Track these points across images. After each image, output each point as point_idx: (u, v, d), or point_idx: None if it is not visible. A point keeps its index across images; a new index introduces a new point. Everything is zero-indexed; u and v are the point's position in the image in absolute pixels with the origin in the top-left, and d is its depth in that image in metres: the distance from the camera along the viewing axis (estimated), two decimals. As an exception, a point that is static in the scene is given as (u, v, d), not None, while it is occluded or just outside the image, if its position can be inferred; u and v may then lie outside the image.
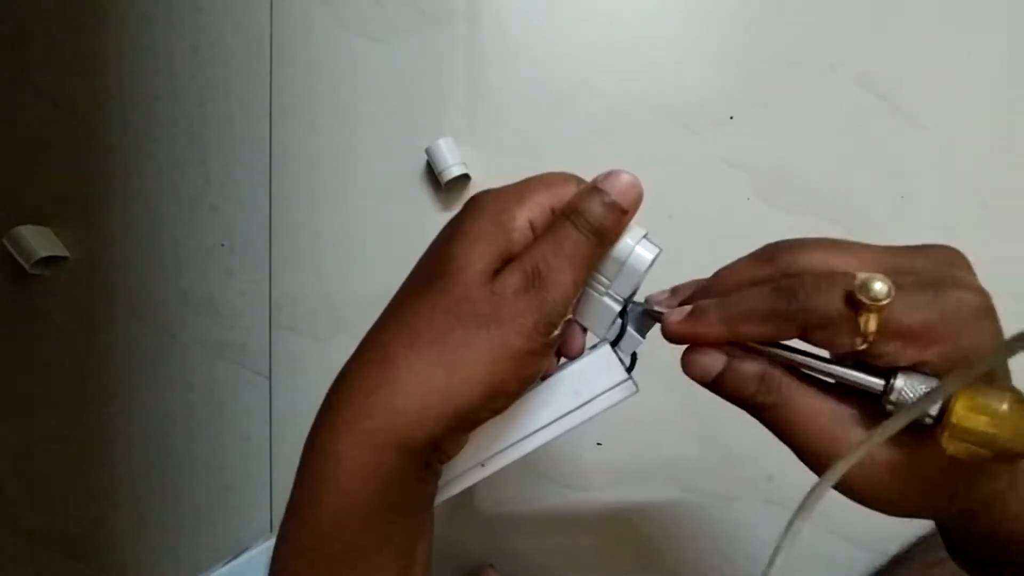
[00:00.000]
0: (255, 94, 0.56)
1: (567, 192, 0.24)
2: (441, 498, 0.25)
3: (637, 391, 0.25)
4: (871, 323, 0.18)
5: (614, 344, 0.25)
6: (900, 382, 0.19)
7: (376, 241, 0.55)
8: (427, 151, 0.53)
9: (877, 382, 0.19)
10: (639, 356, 0.26)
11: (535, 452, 0.25)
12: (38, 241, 0.54)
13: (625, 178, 0.24)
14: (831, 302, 0.19)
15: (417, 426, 0.20)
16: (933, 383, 0.18)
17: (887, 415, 0.18)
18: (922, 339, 0.18)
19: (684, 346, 0.23)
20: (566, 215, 0.23)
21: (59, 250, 0.55)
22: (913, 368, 0.19)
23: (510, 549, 0.56)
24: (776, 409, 0.21)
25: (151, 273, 0.57)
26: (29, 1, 0.56)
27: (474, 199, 0.24)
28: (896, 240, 0.22)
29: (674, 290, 0.25)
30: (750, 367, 0.21)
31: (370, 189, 0.56)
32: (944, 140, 0.54)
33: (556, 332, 0.22)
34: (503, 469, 0.25)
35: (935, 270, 0.19)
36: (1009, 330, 0.13)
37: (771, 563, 0.19)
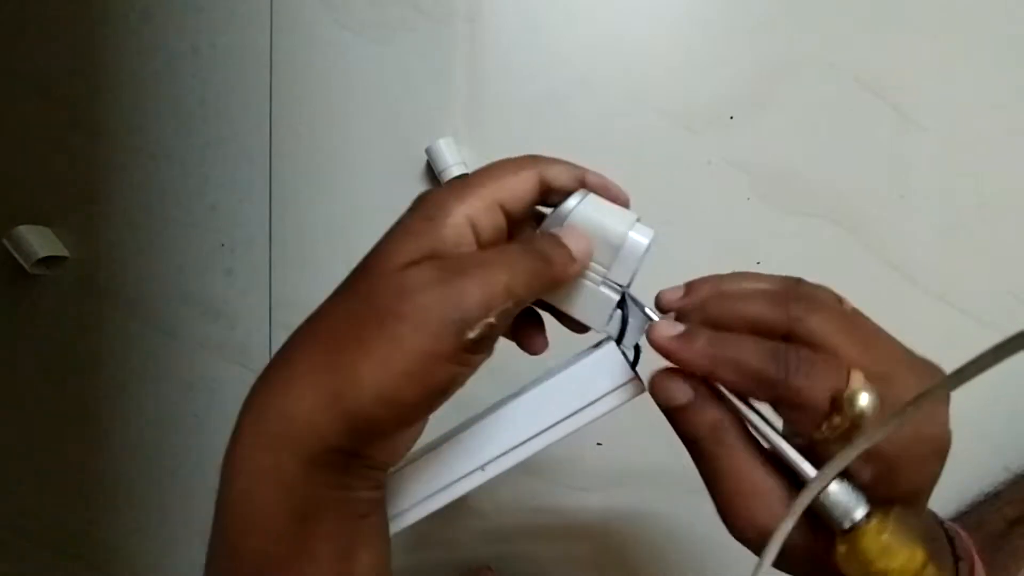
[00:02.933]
0: (255, 94, 0.56)
1: (515, 184, 0.22)
2: (440, 504, 0.25)
3: (645, 390, 0.24)
4: (840, 427, 0.18)
5: (619, 341, 0.24)
6: (835, 487, 0.19)
7: (376, 240, 0.55)
8: (427, 151, 0.53)
9: (811, 472, 0.20)
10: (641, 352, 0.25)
11: (536, 455, 0.25)
12: (38, 241, 0.54)
13: (582, 240, 0.23)
14: (817, 392, 0.19)
15: (308, 431, 0.18)
16: (858, 498, 0.19)
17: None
18: (881, 462, 0.19)
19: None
20: (517, 240, 0.22)
21: (59, 250, 0.55)
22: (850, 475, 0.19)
23: (509, 550, 0.56)
24: (713, 460, 0.21)
25: (151, 273, 0.57)
26: (29, 1, 0.56)
27: (418, 196, 0.22)
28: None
29: (688, 287, 0.24)
30: (710, 413, 0.21)
31: (370, 189, 0.56)
32: (944, 140, 0.54)
33: (471, 335, 0.18)
34: (504, 472, 0.25)
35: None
36: (1008, 330, 0.13)
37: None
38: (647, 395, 0.25)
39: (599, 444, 0.55)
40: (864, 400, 0.18)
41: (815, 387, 0.19)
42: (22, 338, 0.57)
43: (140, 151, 0.56)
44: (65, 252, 0.56)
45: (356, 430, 0.18)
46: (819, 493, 0.19)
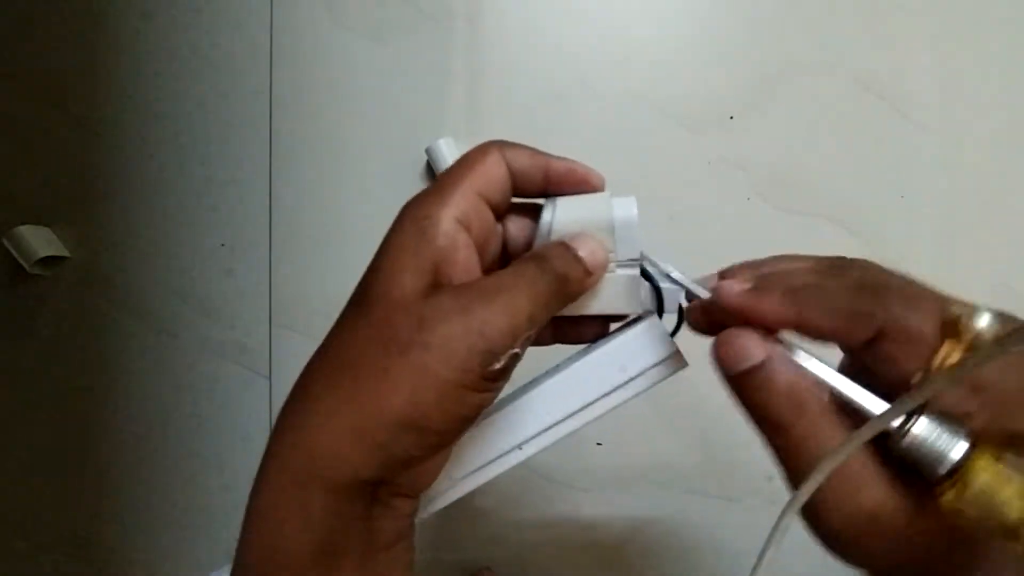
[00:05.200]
0: (255, 94, 0.56)
1: (488, 170, 0.21)
2: (475, 484, 0.24)
3: (687, 364, 0.23)
4: (952, 357, 0.16)
5: (660, 313, 0.23)
6: (925, 424, 0.16)
7: (376, 241, 0.55)
8: (427, 151, 0.53)
9: (897, 417, 0.16)
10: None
11: (536, 455, 0.24)
12: (38, 241, 0.54)
13: (593, 243, 0.21)
14: (924, 318, 0.17)
15: (337, 464, 0.18)
16: (956, 434, 0.16)
17: (894, 457, 0.16)
18: (990, 397, 0.16)
19: (709, 338, 0.20)
20: (529, 257, 0.21)
21: (59, 250, 0.55)
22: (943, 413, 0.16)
23: (509, 550, 0.56)
24: (792, 431, 0.18)
25: (151, 273, 0.57)
26: (30, 1, 0.56)
27: (403, 209, 0.21)
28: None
29: (722, 274, 0.22)
30: (788, 375, 0.18)
31: (370, 189, 0.56)
32: (944, 140, 0.54)
33: (497, 366, 0.18)
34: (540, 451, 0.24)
35: None
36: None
37: (759, 561, 0.18)
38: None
39: (599, 444, 0.55)
40: (985, 319, 0.15)
41: (919, 314, 0.17)
42: (22, 338, 0.57)
43: (140, 151, 0.56)
44: (65, 252, 0.56)
45: (385, 461, 0.18)
46: (905, 432, 0.16)
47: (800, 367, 0.19)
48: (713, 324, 0.21)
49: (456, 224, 0.20)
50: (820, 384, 0.18)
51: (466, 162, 0.21)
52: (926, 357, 0.16)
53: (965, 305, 0.16)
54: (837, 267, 0.20)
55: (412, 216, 0.20)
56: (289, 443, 0.19)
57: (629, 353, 0.23)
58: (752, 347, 0.19)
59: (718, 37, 0.55)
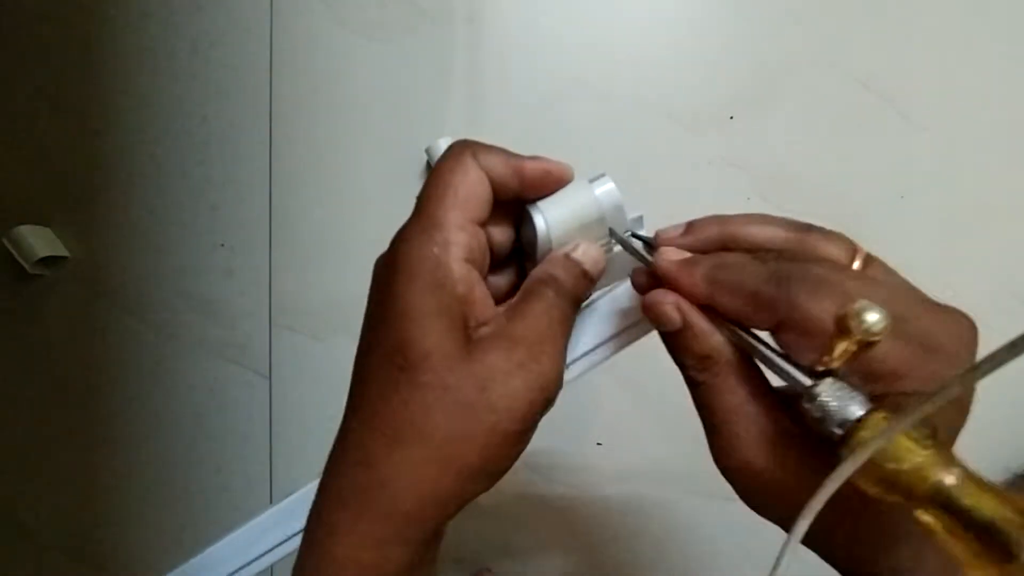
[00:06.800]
0: (255, 94, 0.56)
1: (472, 189, 0.21)
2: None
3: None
4: (845, 352, 0.16)
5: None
6: (823, 388, 0.17)
7: (376, 241, 0.55)
8: (427, 151, 0.53)
9: (806, 382, 0.17)
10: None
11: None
12: (38, 241, 0.54)
13: (593, 250, 0.23)
14: (821, 310, 0.17)
15: (418, 522, 0.20)
16: (857, 396, 0.17)
17: (803, 426, 0.17)
18: (882, 374, 0.17)
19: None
20: (544, 282, 0.21)
21: (59, 250, 0.55)
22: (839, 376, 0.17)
23: (509, 550, 0.56)
24: (704, 392, 0.21)
25: (151, 273, 0.57)
26: (29, 1, 0.56)
27: (394, 256, 0.21)
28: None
29: (689, 225, 0.24)
30: (706, 343, 0.21)
31: (370, 189, 0.56)
32: (944, 140, 0.54)
33: (551, 407, 0.21)
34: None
35: (941, 340, 0.18)
36: (1009, 332, 0.13)
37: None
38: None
39: (599, 444, 0.55)
40: (873, 315, 0.16)
41: (819, 306, 0.17)
42: (22, 338, 0.57)
43: (140, 151, 0.56)
44: (65, 252, 0.56)
45: (459, 509, 0.20)
46: (805, 397, 0.17)
47: (717, 332, 0.21)
48: (655, 283, 0.23)
49: (465, 265, 0.21)
50: (741, 345, 0.20)
51: (450, 184, 0.21)
52: (820, 350, 0.17)
53: (863, 303, 0.16)
54: (795, 229, 0.21)
55: (421, 270, 0.20)
56: (360, 503, 0.20)
57: (611, 313, 0.25)
58: (670, 312, 0.21)
59: (718, 37, 0.55)
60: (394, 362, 0.20)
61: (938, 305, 0.19)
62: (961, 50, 0.54)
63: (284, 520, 0.30)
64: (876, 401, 0.16)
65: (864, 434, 0.16)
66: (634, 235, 0.24)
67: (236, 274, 0.56)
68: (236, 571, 0.29)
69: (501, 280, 0.25)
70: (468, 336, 0.20)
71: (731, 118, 0.55)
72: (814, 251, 0.20)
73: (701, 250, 0.23)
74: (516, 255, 0.25)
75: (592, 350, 0.25)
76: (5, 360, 0.58)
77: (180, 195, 0.56)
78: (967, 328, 0.18)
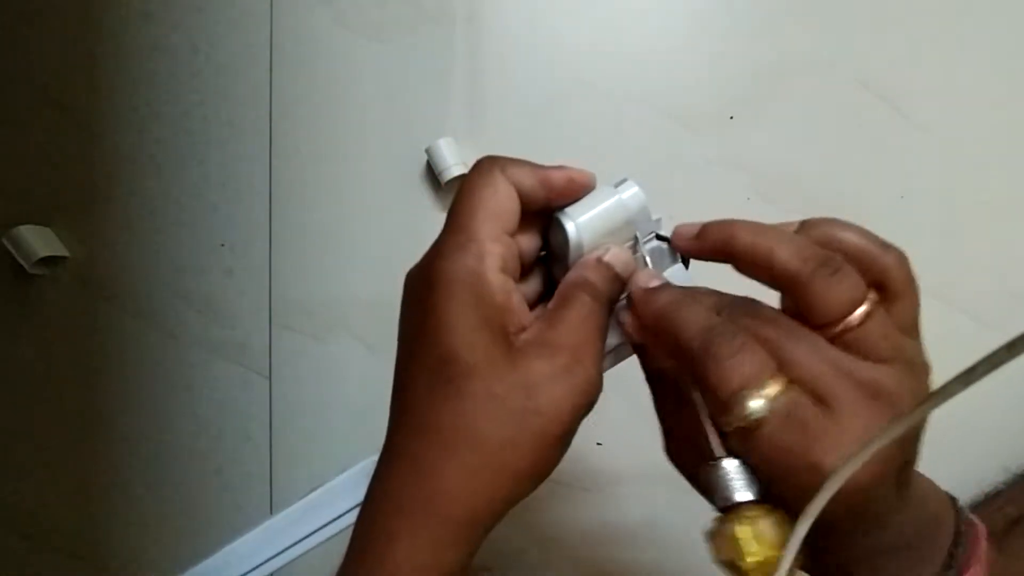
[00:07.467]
0: (255, 93, 0.56)
1: (502, 202, 0.22)
2: None
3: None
4: (730, 426, 0.18)
5: (685, 264, 0.27)
6: (730, 464, 0.19)
7: (376, 241, 0.55)
8: (427, 151, 0.53)
9: (718, 450, 0.20)
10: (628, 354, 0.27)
11: None
12: (38, 241, 0.54)
13: (623, 254, 0.24)
14: (732, 381, 0.18)
15: (473, 526, 0.21)
16: (747, 487, 0.19)
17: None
18: (762, 464, 0.19)
19: None
20: (579, 286, 0.22)
21: (59, 250, 0.55)
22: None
23: (509, 550, 0.56)
24: (657, 401, 0.24)
25: (151, 273, 0.57)
26: (28, 1, 0.56)
27: (432, 271, 0.21)
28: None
29: (703, 229, 0.25)
30: (652, 363, 0.24)
31: (370, 189, 0.56)
32: (944, 140, 0.54)
33: (593, 407, 0.22)
34: None
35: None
36: (1008, 330, 0.13)
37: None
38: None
39: (599, 444, 0.55)
40: (754, 405, 0.17)
41: (730, 377, 0.18)
42: (22, 338, 0.57)
43: (140, 151, 0.56)
44: (65, 252, 0.56)
45: (513, 506, 0.22)
46: (715, 467, 0.19)
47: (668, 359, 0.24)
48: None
49: (502, 275, 0.22)
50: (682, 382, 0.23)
51: (481, 199, 0.22)
52: (720, 413, 0.19)
53: (749, 390, 0.18)
54: (748, 302, 0.22)
55: (462, 284, 0.21)
56: (416, 511, 0.21)
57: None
58: (629, 330, 0.23)
59: (718, 37, 0.55)
60: (441, 374, 0.21)
61: (874, 390, 0.18)
62: (961, 50, 0.54)
63: (285, 528, 0.31)
64: (757, 501, 0.19)
65: (728, 527, 0.18)
66: (658, 236, 0.26)
67: (236, 274, 0.56)
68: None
69: (530, 286, 0.26)
70: (510, 344, 0.21)
71: (731, 118, 0.55)
72: (804, 296, 0.20)
73: (708, 257, 0.24)
74: (542, 260, 0.26)
75: (618, 346, 0.25)
76: (5, 360, 0.58)
77: (180, 195, 0.56)
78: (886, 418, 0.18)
